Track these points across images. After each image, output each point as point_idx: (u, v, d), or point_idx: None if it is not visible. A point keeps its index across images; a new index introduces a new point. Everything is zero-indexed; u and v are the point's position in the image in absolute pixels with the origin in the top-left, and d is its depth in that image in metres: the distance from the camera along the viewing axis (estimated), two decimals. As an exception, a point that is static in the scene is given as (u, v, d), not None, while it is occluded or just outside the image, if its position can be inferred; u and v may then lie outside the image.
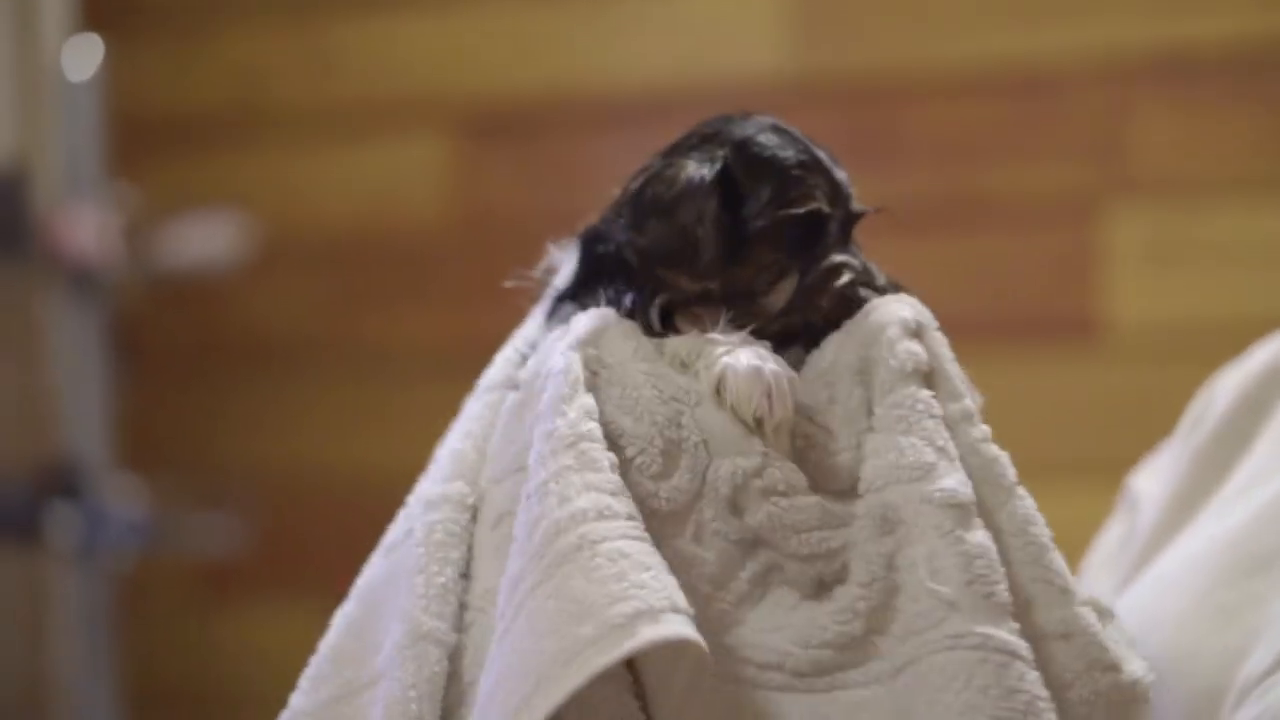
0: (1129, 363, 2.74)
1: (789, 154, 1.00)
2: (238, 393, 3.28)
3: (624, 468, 0.93)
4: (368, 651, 0.99)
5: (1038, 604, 0.95)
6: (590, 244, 1.04)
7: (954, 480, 0.95)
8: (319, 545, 3.05)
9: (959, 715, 0.89)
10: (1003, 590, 0.93)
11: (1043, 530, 0.96)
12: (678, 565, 0.92)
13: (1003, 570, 0.94)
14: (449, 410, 1.05)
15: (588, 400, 0.94)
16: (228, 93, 3.28)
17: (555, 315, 1.04)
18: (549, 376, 0.96)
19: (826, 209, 1.00)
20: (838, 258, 1.00)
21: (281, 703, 1.01)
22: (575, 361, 0.95)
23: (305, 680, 1.01)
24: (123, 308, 3.02)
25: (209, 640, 3.28)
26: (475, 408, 1.02)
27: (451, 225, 3.15)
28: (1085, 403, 2.76)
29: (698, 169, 0.99)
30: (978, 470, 0.96)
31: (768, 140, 1.00)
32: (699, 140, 1.02)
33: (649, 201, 0.99)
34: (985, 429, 0.98)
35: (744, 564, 0.94)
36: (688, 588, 0.91)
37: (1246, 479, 1.24)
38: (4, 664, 3.00)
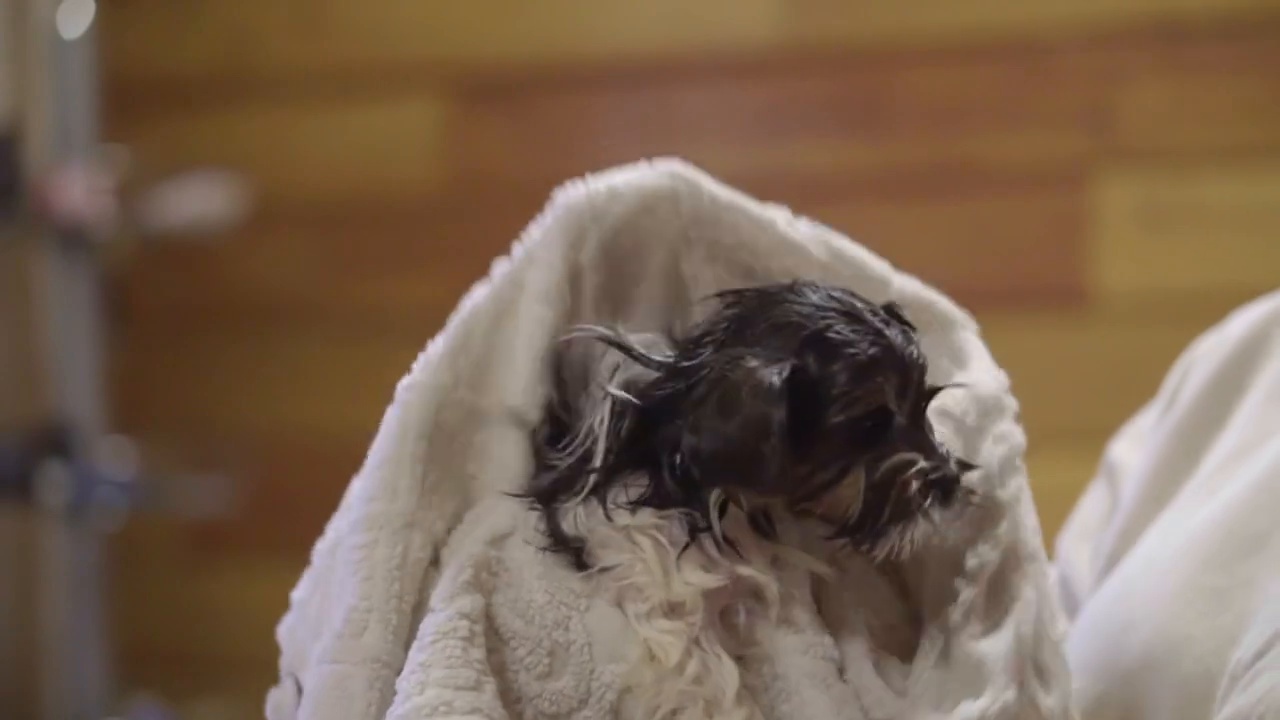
0: (1119, 328, 2.75)
1: (861, 346, 0.94)
2: (229, 354, 3.28)
3: (514, 666, 0.96)
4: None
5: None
6: (636, 415, 0.96)
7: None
8: (308, 506, 3.03)
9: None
10: None
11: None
12: None
13: None
14: (439, 372, 1.05)
15: (467, 601, 0.96)
16: (221, 53, 3.27)
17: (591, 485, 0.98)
18: (455, 561, 0.99)
19: (893, 406, 0.95)
20: (902, 455, 0.95)
21: (269, 662, 1.03)
22: (469, 564, 0.98)
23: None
24: (115, 268, 3.02)
25: (198, 599, 3.29)
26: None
27: (444, 187, 3.15)
28: (1075, 368, 2.76)
29: (766, 372, 0.92)
30: None
31: (841, 332, 0.94)
32: (766, 330, 0.95)
33: (712, 408, 0.93)
34: None
35: None
36: None
37: (1227, 454, 1.24)
38: (-5, 622, 3.01)
